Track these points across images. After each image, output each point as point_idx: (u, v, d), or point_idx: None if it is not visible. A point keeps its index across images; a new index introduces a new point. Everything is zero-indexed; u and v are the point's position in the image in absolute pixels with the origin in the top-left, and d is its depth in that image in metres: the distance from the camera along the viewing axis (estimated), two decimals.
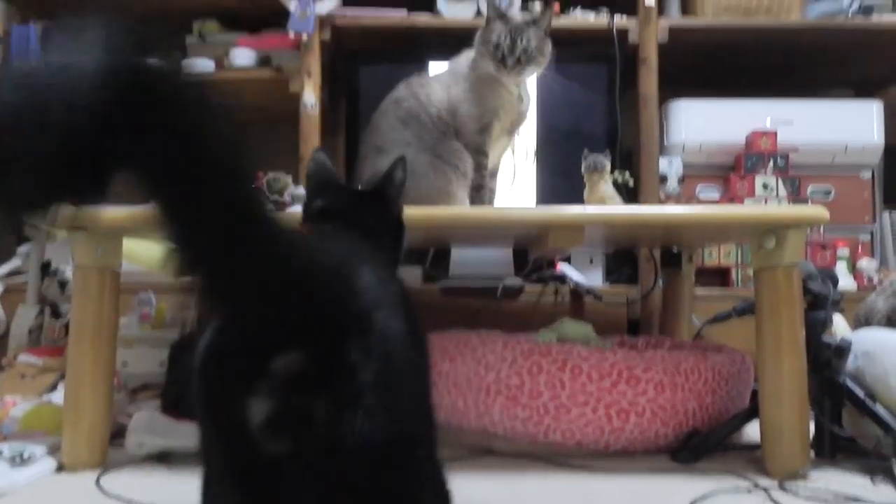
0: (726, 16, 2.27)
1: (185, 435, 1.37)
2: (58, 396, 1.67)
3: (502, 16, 1.63)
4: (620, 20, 2.25)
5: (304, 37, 2.17)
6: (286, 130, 2.32)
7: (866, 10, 2.28)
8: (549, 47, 1.66)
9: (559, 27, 2.27)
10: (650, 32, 2.22)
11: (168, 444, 1.34)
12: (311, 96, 2.19)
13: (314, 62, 2.20)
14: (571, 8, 2.32)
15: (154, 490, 1.18)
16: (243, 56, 2.33)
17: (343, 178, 1.06)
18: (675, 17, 2.30)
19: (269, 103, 2.50)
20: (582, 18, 2.29)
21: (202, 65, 2.34)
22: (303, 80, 2.19)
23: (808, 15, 2.32)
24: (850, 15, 2.28)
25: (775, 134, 2.26)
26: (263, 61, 2.34)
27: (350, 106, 2.32)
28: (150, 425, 1.38)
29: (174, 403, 1.57)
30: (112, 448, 1.32)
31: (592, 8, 2.31)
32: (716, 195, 2.34)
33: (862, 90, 2.76)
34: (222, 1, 2.44)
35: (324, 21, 2.21)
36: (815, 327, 1.31)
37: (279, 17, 2.20)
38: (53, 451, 1.34)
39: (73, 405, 1.26)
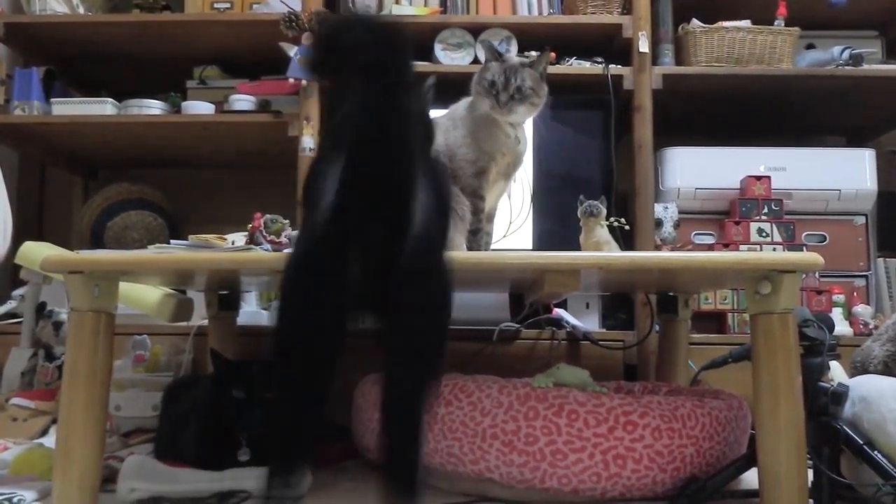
0: (719, 64, 2.31)
1: (178, 481, 1.36)
2: (49, 440, 1.65)
3: (499, 57, 1.66)
4: (615, 68, 2.28)
5: (304, 83, 2.20)
6: (284, 173, 2.33)
7: (856, 60, 2.32)
8: (544, 90, 1.67)
9: (555, 74, 2.32)
10: (644, 80, 2.25)
11: (160, 489, 1.32)
12: (309, 140, 2.21)
13: (313, 107, 2.22)
14: (567, 58, 2.36)
15: None
16: (243, 101, 2.36)
17: None
18: (668, 66, 2.34)
19: (267, 147, 2.53)
20: (578, 66, 2.33)
21: (201, 108, 2.36)
22: (301, 124, 2.21)
23: (799, 64, 2.36)
24: (840, 65, 2.32)
25: (769, 179, 2.28)
26: (263, 106, 2.37)
27: None
28: (142, 471, 1.36)
29: (168, 448, 1.55)
30: (103, 493, 1.30)
31: (588, 58, 2.35)
32: (711, 241, 2.35)
33: (854, 138, 2.80)
34: (223, 48, 2.48)
35: None
36: (812, 373, 1.30)
37: (279, 64, 2.23)
38: (43, 495, 1.33)
39: (64, 449, 1.24)
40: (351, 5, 2.38)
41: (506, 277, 1.59)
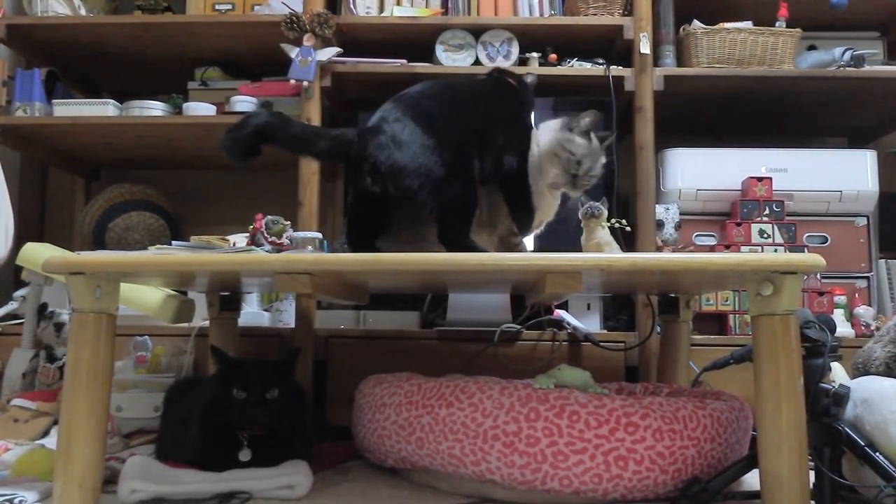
0: (720, 65, 2.31)
1: (179, 481, 1.36)
2: (51, 441, 1.65)
3: (576, 128, 1.68)
4: (617, 69, 2.28)
5: (305, 84, 2.20)
6: (286, 175, 2.34)
7: (857, 61, 2.32)
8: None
9: (556, 76, 2.32)
10: (646, 81, 2.25)
11: (162, 490, 1.33)
12: None
13: (314, 109, 2.22)
14: (568, 59, 2.36)
15: None
16: (244, 102, 2.36)
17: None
18: (670, 67, 2.34)
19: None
20: (579, 67, 2.33)
21: (203, 109, 2.37)
22: None
23: (801, 65, 2.36)
24: (841, 66, 2.31)
25: (770, 180, 2.28)
26: (264, 107, 2.37)
27: None
28: (143, 472, 1.36)
29: (169, 449, 1.55)
30: (104, 494, 1.31)
31: (589, 59, 2.35)
32: (712, 242, 2.35)
33: (856, 139, 2.80)
34: (225, 49, 2.48)
35: (324, 69, 2.24)
36: (814, 374, 1.30)
37: (281, 65, 2.23)
38: (45, 497, 1.33)
39: (65, 450, 1.24)
40: (352, 6, 2.38)
41: (507, 279, 1.59)
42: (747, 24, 2.34)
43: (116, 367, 1.91)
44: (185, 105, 2.41)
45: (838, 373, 1.56)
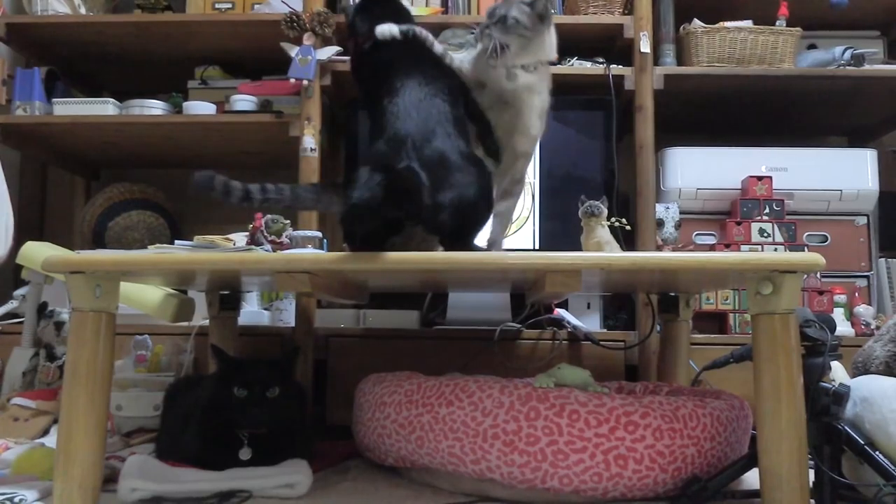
0: (720, 64, 2.31)
1: (179, 480, 1.36)
2: (51, 440, 1.65)
3: None
4: (617, 68, 2.28)
5: (305, 83, 2.20)
6: (286, 173, 2.32)
7: (858, 60, 2.31)
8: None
9: (557, 75, 2.31)
10: (646, 80, 2.25)
11: (161, 489, 1.33)
12: (310, 140, 2.21)
13: (314, 107, 2.22)
14: (568, 58, 2.36)
15: None
16: (244, 101, 2.36)
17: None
18: (670, 66, 2.33)
19: (269, 147, 2.53)
20: (579, 66, 2.33)
21: (203, 108, 2.37)
22: (303, 124, 2.21)
23: (801, 64, 2.36)
24: (842, 65, 2.31)
25: (770, 179, 2.28)
26: (264, 106, 2.37)
27: (349, 149, 2.34)
28: (143, 470, 1.36)
29: (169, 448, 1.56)
30: (104, 493, 1.31)
31: (589, 58, 2.35)
32: (712, 241, 2.35)
33: (856, 138, 2.80)
34: (225, 48, 2.48)
35: (324, 67, 2.24)
36: (813, 373, 1.30)
37: (280, 64, 2.23)
38: (45, 495, 1.33)
39: (65, 449, 1.25)
40: (352, 5, 2.38)
41: (507, 278, 1.59)
42: (747, 23, 2.34)
43: (116, 365, 1.91)
44: (185, 104, 2.40)
45: (838, 372, 1.56)
